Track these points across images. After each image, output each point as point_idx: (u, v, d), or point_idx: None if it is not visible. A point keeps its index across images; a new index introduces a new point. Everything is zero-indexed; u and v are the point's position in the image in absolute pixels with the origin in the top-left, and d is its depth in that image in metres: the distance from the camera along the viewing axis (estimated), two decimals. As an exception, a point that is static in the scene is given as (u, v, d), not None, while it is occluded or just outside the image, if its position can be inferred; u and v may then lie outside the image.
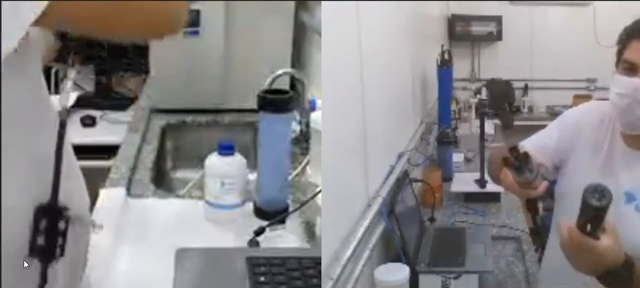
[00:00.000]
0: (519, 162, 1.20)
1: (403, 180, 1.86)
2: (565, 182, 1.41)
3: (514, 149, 1.20)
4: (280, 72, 2.11)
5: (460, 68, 4.29)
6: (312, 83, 2.21)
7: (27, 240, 0.88)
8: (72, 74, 0.89)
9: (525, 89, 4.60)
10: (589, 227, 1.05)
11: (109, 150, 2.53)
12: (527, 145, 1.40)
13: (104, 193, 1.73)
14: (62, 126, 0.89)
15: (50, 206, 0.88)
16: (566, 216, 1.14)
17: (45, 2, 0.78)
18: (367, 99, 1.55)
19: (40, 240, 0.87)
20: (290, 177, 1.77)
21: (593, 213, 1.02)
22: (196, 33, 2.31)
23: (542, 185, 1.24)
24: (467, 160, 2.94)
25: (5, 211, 0.87)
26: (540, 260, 1.94)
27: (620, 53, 1.27)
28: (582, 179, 1.31)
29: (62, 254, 0.89)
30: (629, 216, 1.24)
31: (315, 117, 1.80)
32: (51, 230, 0.88)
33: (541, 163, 1.28)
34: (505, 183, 1.28)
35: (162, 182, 2.19)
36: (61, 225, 0.89)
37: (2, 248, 0.87)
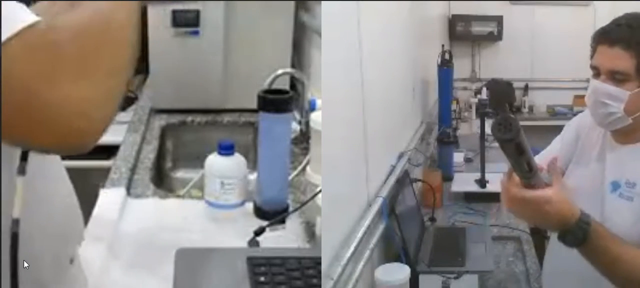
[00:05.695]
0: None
1: (403, 180, 1.86)
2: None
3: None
4: (280, 72, 2.11)
5: (461, 68, 4.28)
6: (312, 83, 2.20)
7: None
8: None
9: (526, 89, 4.59)
10: (527, 177, 1.03)
11: (109, 150, 2.53)
12: (539, 162, 1.42)
13: (104, 193, 1.73)
14: (15, 238, 0.78)
15: None
16: None
17: None
18: (367, 99, 1.55)
19: None
20: (290, 177, 1.77)
21: (502, 146, 0.98)
22: (196, 33, 2.31)
23: None
24: (468, 160, 2.94)
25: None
26: (541, 265, 1.94)
27: (591, 60, 1.33)
28: (575, 178, 1.38)
29: None
30: (613, 203, 1.28)
31: (315, 117, 1.79)
32: None
33: None
34: None
35: (162, 182, 2.19)
36: None
37: None
